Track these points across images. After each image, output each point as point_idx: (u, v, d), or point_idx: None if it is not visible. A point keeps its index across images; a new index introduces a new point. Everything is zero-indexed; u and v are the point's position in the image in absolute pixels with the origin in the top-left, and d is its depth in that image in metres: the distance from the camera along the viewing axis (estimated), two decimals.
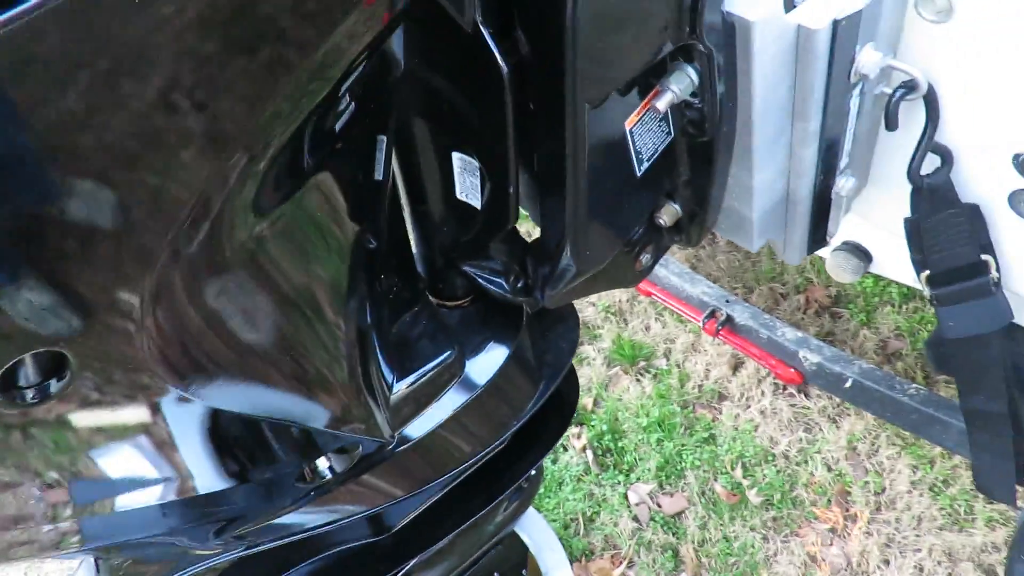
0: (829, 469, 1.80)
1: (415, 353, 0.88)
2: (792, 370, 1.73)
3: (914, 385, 1.57)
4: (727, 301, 1.81)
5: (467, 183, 0.77)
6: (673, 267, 1.93)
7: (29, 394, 0.46)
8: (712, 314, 1.81)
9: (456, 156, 0.75)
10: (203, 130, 0.43)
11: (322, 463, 0.78)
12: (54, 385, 0.46)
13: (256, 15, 0.42)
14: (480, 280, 0.88)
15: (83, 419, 0.53)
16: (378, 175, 0.66)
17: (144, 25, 0.38)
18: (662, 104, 0.67)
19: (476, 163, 0.74)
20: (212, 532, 0.82)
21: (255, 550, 0.89)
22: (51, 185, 0.39)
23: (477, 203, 0.78)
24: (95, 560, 0.80)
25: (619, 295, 2.23)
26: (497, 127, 0.66)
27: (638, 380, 2.06)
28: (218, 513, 0.82)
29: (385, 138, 0.66)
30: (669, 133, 0.75)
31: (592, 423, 1.95)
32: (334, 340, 0.69)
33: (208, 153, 0.43)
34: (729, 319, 1.78)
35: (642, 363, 2.09)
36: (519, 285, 0.88)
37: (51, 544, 0.65)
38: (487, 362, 0.94)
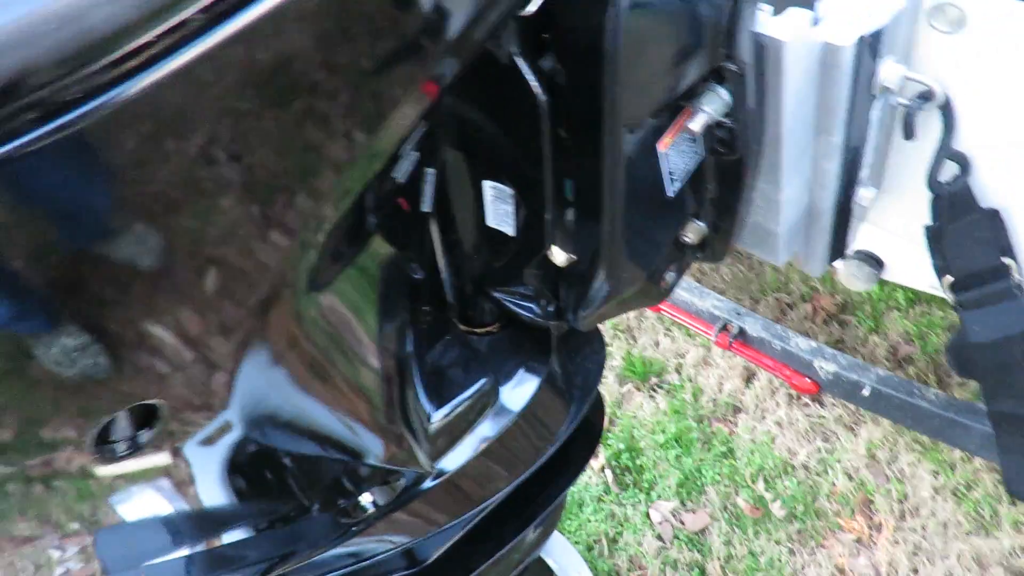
0: (850, 478, 1.79)
1: (449, 382, 0.88)
2: (807, 380, 1.73)
3: (932, 390, 1.57)
4: (738, 314, 1.82)
5: (499, 211, 0.77)
6: (681, 282, 1.93)
7: (121, 447, 0.46)
8: (724, 327, 1.81)
9: (488, 184, 0.76)
10: (283, 210, 0.45)
11: (365, 498, 0.77)
12: (144, 436, 0.46)
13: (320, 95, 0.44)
14: (510, 306, 0.88)
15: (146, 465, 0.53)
16: (425, 207, 0.67)
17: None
18: (696, 125, 0.68)
19: (509, 191, 0.75)
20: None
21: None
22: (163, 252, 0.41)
23: (510, 230, 0.79)
24: None
25: (627, 313, 2.23)
26: (532, 155, 0.66)
27: (651, 396, 2.06)
28: (256, 554, 0.81)
29: (434, 170, 0.66)
30: (699, 153, 0.75)
31: (608, 442, 1.95)
32: (385, 374, 0.69)
33: (290, 226, 0.46)
34: (742, 332, 1.79)
35: (654, 379, 2.09)
36: (550, 309, 0.88)
37: None
38: (521, 388, 0.94)
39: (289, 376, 0.56)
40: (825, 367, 1.67)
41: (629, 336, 2.21)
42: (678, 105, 0.70)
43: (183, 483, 0.57)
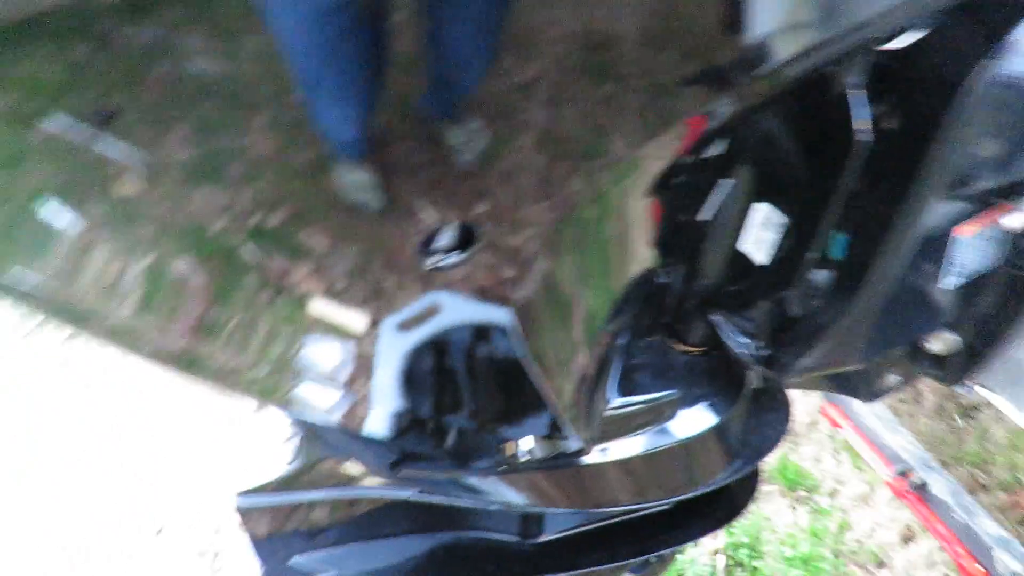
0: None
1: (638, 381, 0.88)
2: (979, 568, 1.53)
3: None
4: (928, 466, 1.65)
5: (759, 236, 0.77)
6: (877, 406, 1.79)
7: (435, 258, 0.53)
8: (904, 473, 1.65)
9: (762, 206, 0.75)
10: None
11: (526, 444, 0.79)
12: (453, 257, 0.53)
13: None
14: (724, 334, 0.87)
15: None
16: (705, 215, 0.68)
17: None
18: (1013, 223, 0.63)
19: (781, 220, 0.74)
20: (389, 462, 0.86)
21: (421, 498, 0.92)
22: None
23: (760, 259, 0.78)
24: (301, 438, 0.87)
25: (799, 415, 2.11)
26: (826, 194, 0.65)
27: (793, 508, 1.92)
28: (401, 446, 0.86)
29: (731, 182, 0.67)
30: (996, 257, 0.70)
31: (732, 530, 1.85)
32: (596, 343, 0.71)
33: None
34: (924, 486, 1.62)
35: (802, 492, 1.95)
36: (763, 353, 0.86)
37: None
38: (696, 418, 0.92)
39: (537, 286, 0.59)
40: (1008, 563, 1.47)
41: (793, 440, 2.08)
42: (996, 197, 0.66)
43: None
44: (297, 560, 0.99)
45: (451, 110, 0.51)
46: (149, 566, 1.74)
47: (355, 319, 0.63)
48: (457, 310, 0.64)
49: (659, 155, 0.60)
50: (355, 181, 0.53)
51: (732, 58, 0.51)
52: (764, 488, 1.96)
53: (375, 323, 0.64)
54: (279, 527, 0.94)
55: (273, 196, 0.52)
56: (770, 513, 1.90)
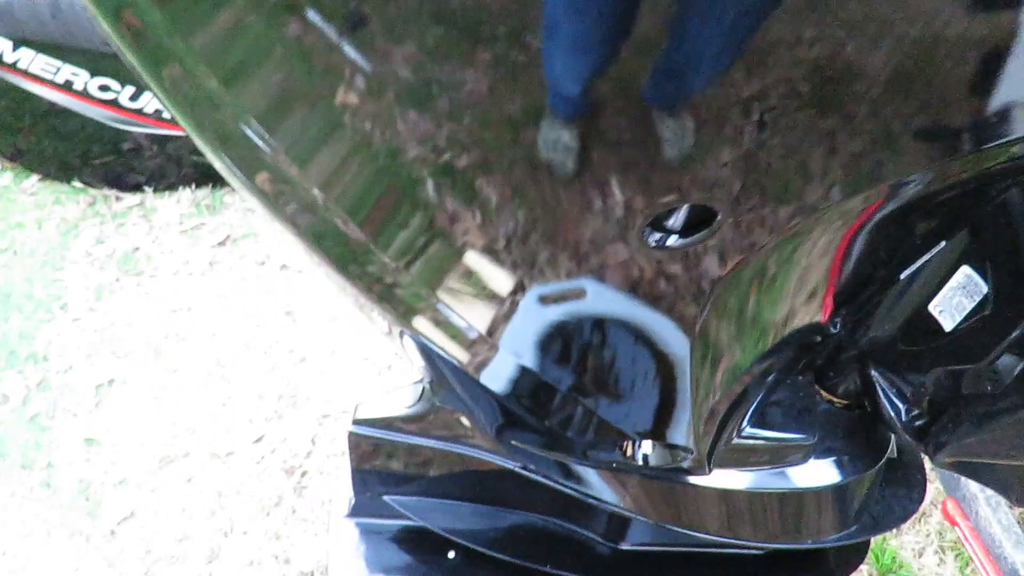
0: None
1: (772, 416, 0.84)
2: None
3: None
4: None
5: (954, 301, 0.71)
6: (1002, 515, 1.64)
7: (667, 238, 0.53)
8: None
9: (965, 271, 0.69)
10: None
11: (645, 447, 0.77)
12: (681, 239, 0.52)
13: None
14: (880, 392, 0.81)
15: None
16: (900, 273, 0.64)
17: None
18: None
19: (984, 289, 0.68)
20: (496, 427, 0.87)
21: (521, 472, 0.92)
22: None
23: (947, 325, 0.72)
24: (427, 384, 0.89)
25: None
26: None
27: None
28: (511, 415, 0.86)
29: (941, 244, 0.63)
30: None
31: None
32: (746, 370, 0.68)
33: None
34: None
35: None
36: (916, 424, 0.79)
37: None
38: (823, 471, 0.87)
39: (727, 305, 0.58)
40: None
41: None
42: None
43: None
44: (388, 498, 1.02)
45: (671, 102, 0.49)
46: (239, 471, 1.84)
47: (503, 277, 0.63)
48: (620, 302, 0.63)
49: (861, 207, 0.56)
50: (557, 139, 0.52)
51: (975, 120, 0.47)
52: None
53: (522, 286, 0.64)
54: (381, 463, 0.96)
55: (470, 137, 0.53)
56: None
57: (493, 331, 0.67)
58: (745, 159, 0.48)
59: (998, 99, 0.47)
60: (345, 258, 0.60)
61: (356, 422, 0.91)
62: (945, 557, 1.86)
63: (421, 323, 0.67)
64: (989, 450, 0.74)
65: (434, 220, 0.57)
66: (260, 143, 0.52)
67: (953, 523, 1.72)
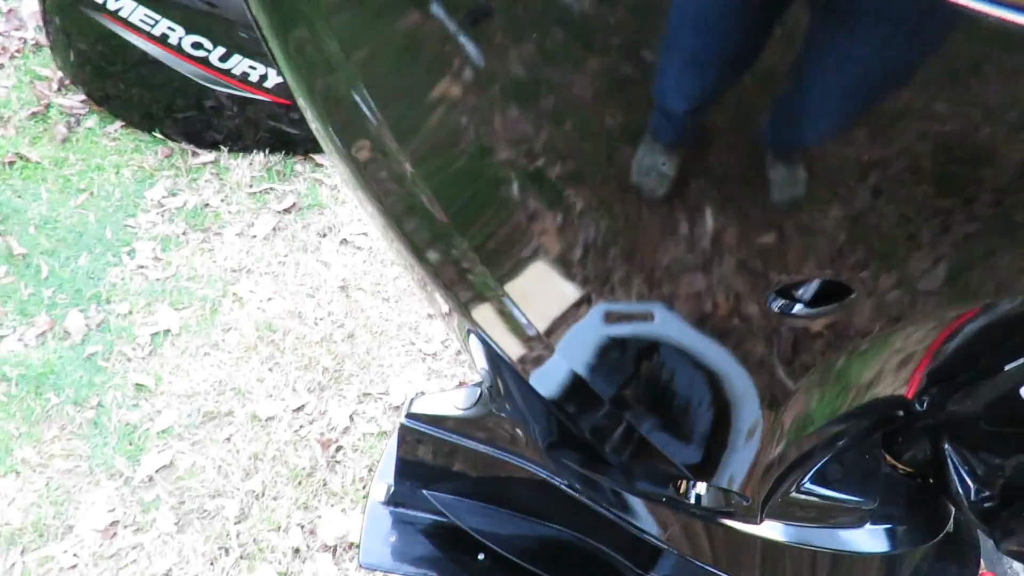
0: None
1: (832, 472, 0.81)
2: None
3: None
4: None
5: None
6: None
7: (796, 307, 0.51)
8: None
9: None
10: None
11: (701, 486, 0.76)
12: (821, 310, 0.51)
13: None
14: (951, 467, 0.78)
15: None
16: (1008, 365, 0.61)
17: None
18: None
19: None
20: (549, 442, 0.86)
21: (566, 489, 0.91)
22: None
23: None
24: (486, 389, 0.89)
25: None
26: None
27: None
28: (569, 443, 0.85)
29: None
30: None
31: None
32: (825, 434, 0.66)
33: None
34: None
35: None
36: (985, 505, 0.76)
37: None
38: (877, 537, 0.84)
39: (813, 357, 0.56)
40: None
41: None
42: None
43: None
44: (427, 492, 1.02)
45: (786, 149, 0.48)
46: (277, 437, 1.87)
47: (573, 286, 0.62)
48: (696, 338, 0.61)
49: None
50: (652, 163, 0.51)
51: None
52: None
53: (590, 299, 0.63)
54: (426, 458, 0.97)
55: (567, 146, 0.52)
56: None
57: (553, 334, 0.67)
58: (855, 225, 0.47)
59: None
60: (423, 238, 0.61)
61: (409, 416, 0.92)
62: None
63: (482, 313, 0.67)
64: None
65: (517, 217, 0.57)
66: (367, 111, 0.53)
67: None
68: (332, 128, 0.56)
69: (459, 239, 0.60)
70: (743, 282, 0.55)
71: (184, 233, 2.31)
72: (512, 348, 0.70)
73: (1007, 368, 0.65)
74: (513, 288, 0.64)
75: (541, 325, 0.66)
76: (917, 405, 0.72)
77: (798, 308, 0.54)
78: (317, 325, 2.10)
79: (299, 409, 1.92)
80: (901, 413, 0.75)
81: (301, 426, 1.88)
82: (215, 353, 2.02)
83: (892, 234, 0.47)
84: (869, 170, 0.45)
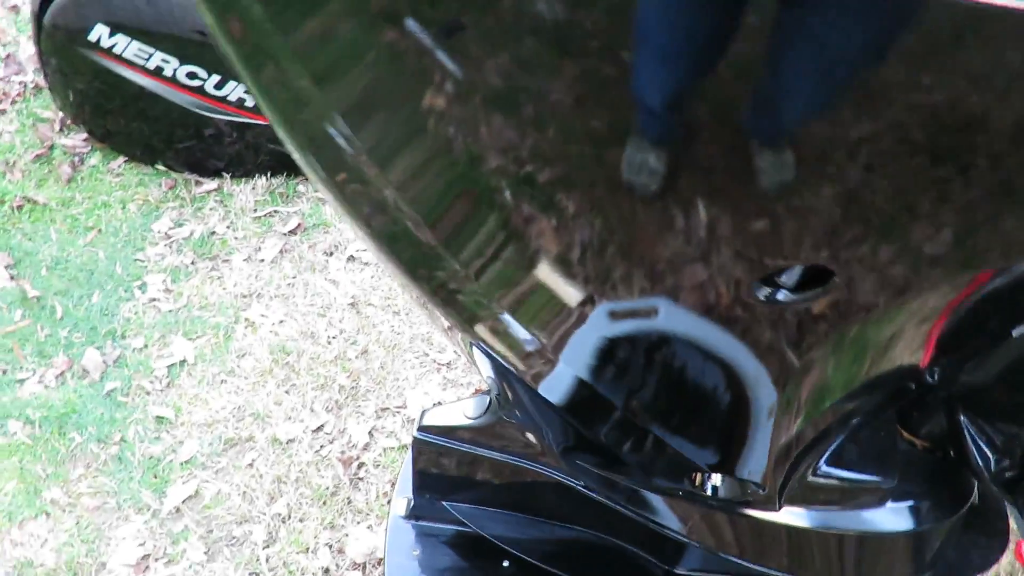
0: None
1: (850, 454, 0.81)
2: None
3: None
4: None
5: None
6: None
7: (773, 292, 0.51)
8: None
9: None
10: None
11: (716, 479, 0.75)
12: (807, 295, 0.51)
13: None
14: (968, 439, 0.77)
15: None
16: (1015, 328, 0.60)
17: None
18: None
19: None
20: (563, 446, 0.86)
21: (584, 491, 0.91)
22: None
23: None
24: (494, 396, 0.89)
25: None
26: None
27: None
28: (580, 440, 0.85)
29: None
30: None
31: None
32: (836, 413, 0.66)
33: None
34: None
35: None
36: (1006, 475, 0.75)
37: None
38: (899, 516, 0.83)
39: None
40: None
41: None
42: None
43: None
44: (447, 504, 1.02)
45: (770, 135, 0.47)
46: (299, 459, 1.88)
47: (573, 290, 0.62)
48: (703, 329, 0.61)
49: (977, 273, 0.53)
50: (641, 161, 0.51)
51: None
52: None
53: (592, 300, 0.62)
54: (442, 469, 0.97)
55: (553, 151, 0.52)
56: None
57: (555, 344, 0.66)
58: (850, 203, 0.46)
59: None
60: (415, 261, 0.61)
61: (421, 429, 0.92)
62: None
63: (482, 328, 0.67)
64: None
65: (507, 228, 0.57)
66: (343, 143, 0.53)
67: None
68: (312, 159, 0.56)
69: (450, 260, 0.60)
70: (743, 270, 0.54)
71: (192, 263, 2.33)
72: (516, 360, 0.70)
73: (1015, 333, 0.64)
74: (509, 303, 0.64)
75: (542, 337, 0.66)
76: (929, 376, 0.71)
77: (796, 292, 0.54)
78: (330, 344, 2.11)
79: (318, 429, 1.92)
80: (914, 386, 0.74)
81: (322, 446, 1.89)
82: (231, 380, 2.03)
83: (889, 207, 0.47)
84: (858, 147, 0.45)
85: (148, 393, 2.01)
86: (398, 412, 1.95)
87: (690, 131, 0.49)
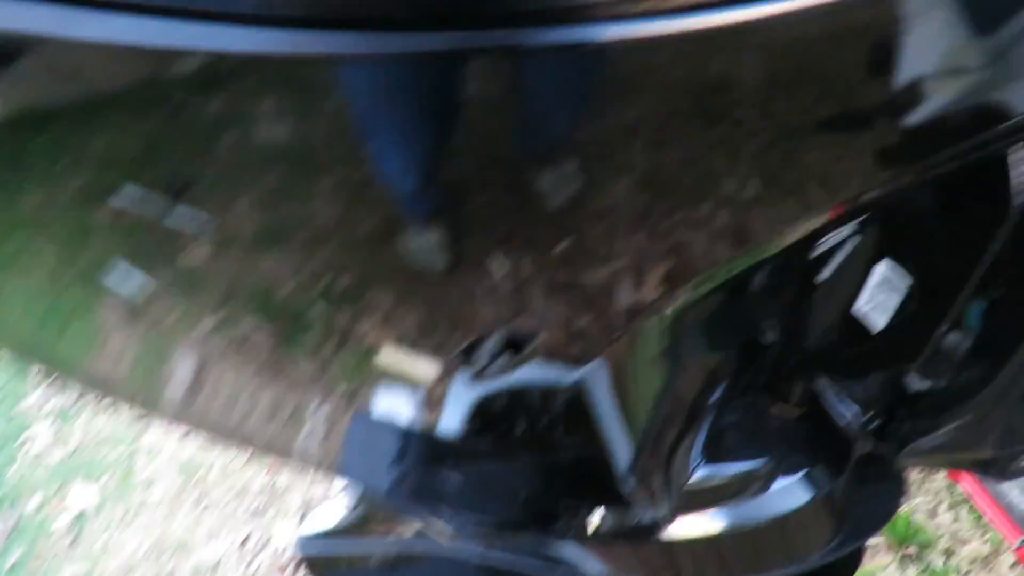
0: None
1: (726, 444, 0.80)
2: None
3: None
4: None
5: (878, 299, 0.67)
6: None
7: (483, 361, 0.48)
8: None
9: (884, 266, 0.65)
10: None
11: (598, 514, 0.73)
12: (506, 359, 0.48)
13: None
14: (828, 402, 0.77)
15: None
16: (820, 277, 0.60)
17: None
18: None
19: (907, 281, 0.64)
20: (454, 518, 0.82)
21: (486, 556, 0.87)
22: None
23: (878, 323, 0.68)
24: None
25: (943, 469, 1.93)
26: (970, 259, 0.55)
27: (901, 566, 1.76)
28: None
29: (856, 239, 0.59)
30: None
31: None
32: (677, 410, 0.64)
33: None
34: None
35: (913, 549, 1.78)
36: (873, 425, 0.76)
37: None
38: (793, 491, 0.83)
39: (609, 365, 0.53)
40: None
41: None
42: None
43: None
44: None
45: (539, 153, 0.46)
46: (235, 569, 1.78)
47: (422, 368, 0.59)
48: (536, 369, 0.59)
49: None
50: (421, 245, 0.49)
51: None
52: (868, 542, 1.80)
53: (444, 376, 0.60)
54: (341, 570, 0.91)
55: (340, 261, 0.49)
56: (875, 569, 1.74)
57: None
58: (641, 182, 0.45)
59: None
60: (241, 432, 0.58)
61: (303, 538, 0.87)
62: (959, 513, 1.83)
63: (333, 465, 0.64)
64: (950, 445, 0.70)
65: (331, 339, 0.54)
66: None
67: (957, 479, 1.69)
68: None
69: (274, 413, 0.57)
70: (567, 301, 0.52)
71: (79, 398, 2.19)
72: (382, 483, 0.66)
73: (817, 281, 0.64)
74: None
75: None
76: (769, 338, 0.71)
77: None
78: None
79: (244, 542, 1.82)
80: (756, 351, 0.74)
81: (252, 559, 1.79)
82: (143, 514, 1.91)
83: (686, 176, 0.46)
84: (634, 131, 0.44)
85: (55, 555, 1.86)
86: (323, 503, 1.87)
87: (458, 192, 0.47)
